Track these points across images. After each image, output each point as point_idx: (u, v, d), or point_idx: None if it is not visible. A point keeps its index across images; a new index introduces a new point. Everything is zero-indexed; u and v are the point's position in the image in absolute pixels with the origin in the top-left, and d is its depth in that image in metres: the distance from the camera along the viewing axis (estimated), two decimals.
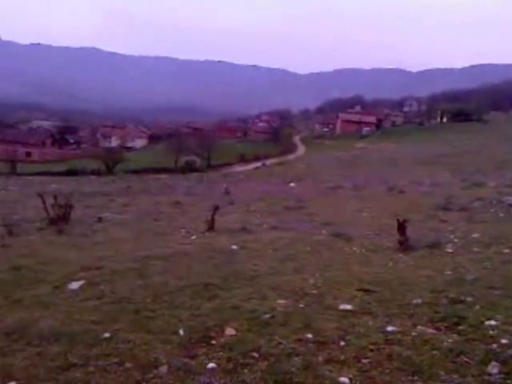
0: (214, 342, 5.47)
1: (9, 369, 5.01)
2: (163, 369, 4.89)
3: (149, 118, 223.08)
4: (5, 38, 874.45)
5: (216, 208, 13.33)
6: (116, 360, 5.09)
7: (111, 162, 67.89)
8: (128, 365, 4.99)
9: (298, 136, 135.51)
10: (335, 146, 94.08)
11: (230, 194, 25.30)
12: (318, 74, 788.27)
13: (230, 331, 5.71)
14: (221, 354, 5.18)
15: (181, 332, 5.72)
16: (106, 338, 5.60)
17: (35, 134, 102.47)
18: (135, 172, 62.87)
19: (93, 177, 55.07)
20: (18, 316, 6.47)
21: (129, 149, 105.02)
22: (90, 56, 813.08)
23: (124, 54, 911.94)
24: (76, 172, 60.46)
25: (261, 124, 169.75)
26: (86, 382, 4.70)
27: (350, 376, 4.62)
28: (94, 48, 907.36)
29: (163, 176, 53.98)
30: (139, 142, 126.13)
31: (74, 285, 7.69)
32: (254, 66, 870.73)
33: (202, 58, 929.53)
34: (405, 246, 9.77)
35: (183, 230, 13.27)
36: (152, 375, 4.78)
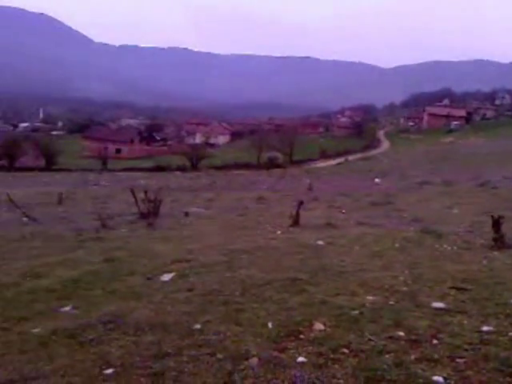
0: (302, 336, 5.47)
1: (106, 356, 5.24)
2: (254, 361, 4.94)
3: (232, 115, 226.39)
4: (97, 40, 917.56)
5: (300, 203, 13.30)
6: (208, 351, 5.21)
7: (196, 158, 69.36)
8: (219, 356, 5.08)
9: (382, 131, 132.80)
10: (421, 141, 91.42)
11: (313, 189, 25.21)
12: (403, 67, 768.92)
13: (318, 326, 5.69)
14: (310, 348, 5.16)
15: (270, 325, 5.76)
16: (198, 329, 5.74)
17: (124, 131, 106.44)
18: (219, 168, 63.99)
19: (178, 172, 56.55)
20: (113, 306, 6.77)
21: (212, 145, 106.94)
22: (178, 56, 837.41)
23: (212, 53, 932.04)
24: (162, 168, 62.25)
25: (344, 119, 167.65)
26: (179, 371, 4.84)
27: (444, 375, 4.47)
28: (183, 48, 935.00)
29: (246, 172, 54.63)
30: (222, 139, 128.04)
31: (166, 277, 7.94)
32: (339, 61, 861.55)
33: (286, 55, 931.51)
34: (500, 243, 9.32)
35: (268, 225, 13.34)
36: (243, 366, 4.84)
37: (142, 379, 4.73)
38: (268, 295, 6.81)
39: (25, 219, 16.03)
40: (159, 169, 61.65)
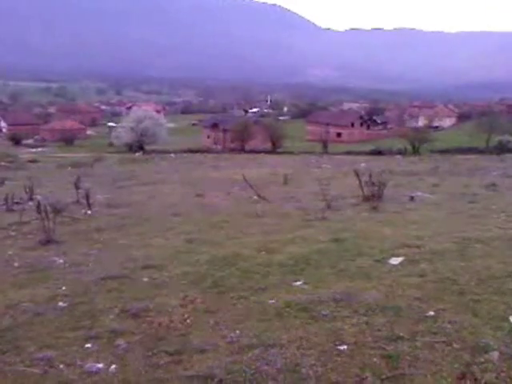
0: None
1: (339, 333, 5.38)
2: (494, 354, 4.66)
3: (459, 96, 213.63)
4: (323, 26, 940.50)
5: None
6: (443, 339, 5.03)
7: (417, 142, 67.00)
8: (456, 345, 4.89)
9: None
10: None
11: None
12: None
13: None
14: None
15: (511, 319, 5.36)
16: (431, 316, 5.59)
17: (345, 115, 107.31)
18: (442, 152, 60.96)
19: (398, 156, 55.26)
20: (343, 285, 6.90)
21: (436, 128, 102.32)
22: (404, 37, 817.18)
23: (440, 32, 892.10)
24: (381, 152, 61.42)
25: None
26: (413, 356, 4.76)
27: None
28: (410, 29, 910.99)
29: (473, 157, 51.16)
30: (447, 122, 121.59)
31: (394, 260, 7.83)
32: None
33: None
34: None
35: (503, 214, 12.31)
36: (482, 359, 4.60)
37: (375, 359, 4.76)
38: (507, 288, 6.33)
39: (255, 197, 17.13)
40: (378, 152, 60.93)
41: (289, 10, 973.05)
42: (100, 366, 4.97)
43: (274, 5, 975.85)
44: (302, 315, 5.93)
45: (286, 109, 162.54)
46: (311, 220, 12.26)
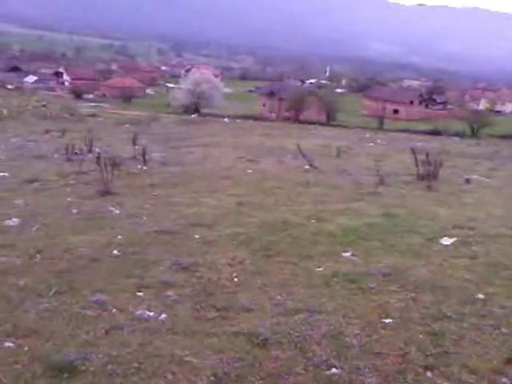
0: None
1: (385, 306, 5.40)
2: None
3: None
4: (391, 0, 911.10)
5: None
6: (491, 322, 5.00)
7: (477, 125, 64.96)
8: (504, 330, 4.85)
9: None
10: None
11: None
12: None
13: None
14: None
15: None
16: (481, 299, 5.53)
17: (404, 92, 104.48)
18: (503, 137, 58.95)
19: (455, 138, 53.82)
20: (392, 260, 6.89)
21: (497, 113, 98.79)
22: (472, 16, 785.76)
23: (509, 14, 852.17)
24: (439, 132, 59.93)
25: None
26: (459, 335, 4.76)
27: None
28: (477, 8, 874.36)
29: None
30: (510, 107, 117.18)
31: (446, 240, 7.73)
32: None
33: None
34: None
35: None
36: None
37: (420, 336, 4.77)
38: None
39: (307, 167, 17.05)
40: (435, 133, 59.45)
41: None
42: (150, 313, 5.16)
43: None
44: (349, 285, 5.97)
45: (344, 82, 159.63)
46: (363, 194, 12.15)
